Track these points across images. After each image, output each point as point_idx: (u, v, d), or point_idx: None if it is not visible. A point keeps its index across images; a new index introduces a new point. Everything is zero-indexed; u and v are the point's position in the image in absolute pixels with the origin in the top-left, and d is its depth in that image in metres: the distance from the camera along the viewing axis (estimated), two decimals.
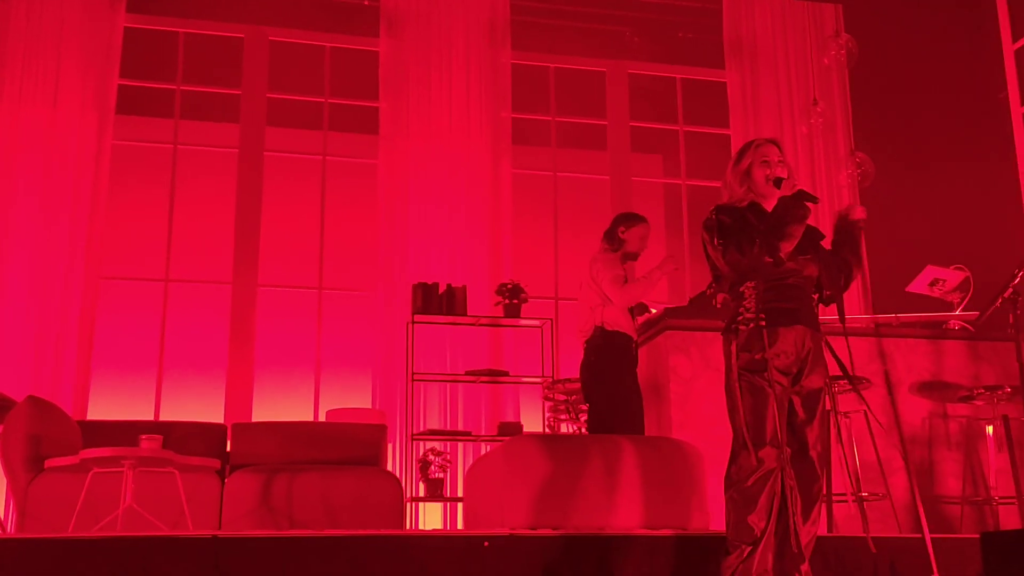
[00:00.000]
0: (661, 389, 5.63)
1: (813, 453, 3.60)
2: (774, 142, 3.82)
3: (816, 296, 3.77)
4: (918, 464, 5.69)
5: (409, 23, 8.51)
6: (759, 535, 3.45)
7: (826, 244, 3.83)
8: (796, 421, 3.62)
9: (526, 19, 8.81)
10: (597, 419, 5.33)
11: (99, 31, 7.95)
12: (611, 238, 5.50)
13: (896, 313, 6.30)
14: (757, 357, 3.53)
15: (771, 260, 3.56)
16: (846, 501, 5.29)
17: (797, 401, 3.63)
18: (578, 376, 5.54)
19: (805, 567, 3.54)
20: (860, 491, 5.27)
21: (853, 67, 8.70)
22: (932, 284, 6.29)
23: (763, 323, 3.55)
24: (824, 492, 4.18)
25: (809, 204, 3.62)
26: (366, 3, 8.61)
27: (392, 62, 8.47)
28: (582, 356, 5.44)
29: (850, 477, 5.24)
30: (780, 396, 3.56)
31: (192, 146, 8.46)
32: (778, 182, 3.69)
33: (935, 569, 3.51)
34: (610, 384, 5.25)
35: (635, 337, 5.41)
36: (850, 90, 9.15)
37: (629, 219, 5.55)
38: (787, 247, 3.58)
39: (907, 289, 6.43)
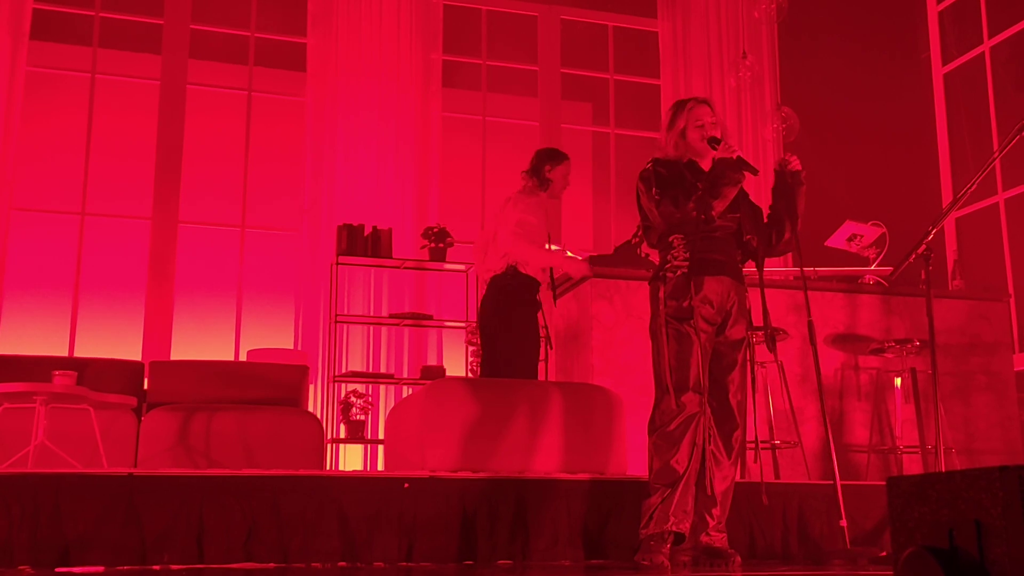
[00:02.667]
0: (583, 336, 5.68)
1: (733, 401, 3.70)
2: (706, 102, 3.93)
3: (750, 248, 3.85)
4: (829, 414, 5.85)
5: None
6: (680, 476, 3.52)
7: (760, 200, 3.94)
8: (718, 370, 3.71)
9: None
10: (498, 360, 5.26)
11: None
12: (538, 176, 5.42)
13: (814, 267, 6.44)
14: (684, 304, 3.62)
15: (703, 217, 3.64)
16: (762, 449, 5.43)
17: (720, 351, 3.71)
18: None
19: (717, 511, 3.63)
20: (773, 439, 5.41)
21: (782, 22, 8.76)
22: (850, 239, 6.43)
23: (690, 272, 3.64)
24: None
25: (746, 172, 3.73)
26: None
27: (322, 1, 8.30)
28: (484, 292, 5.37)
29: (761, 424, 5.37)
30: (704, 344, 3.64)
31: (111, 76, 8.19)
32: (713, 142, 3.74)
33: (843, 515, 3.63)
34: (518, 327, 5.21)
35: (547, 280, 5.40)
36: (779, 45, 9.24)
37: (554, 156, 5.47)
38: (719, 206, 3.68)
39: (826, 243, 6.56)
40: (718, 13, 9.15)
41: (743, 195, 3.86)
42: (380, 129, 8.18)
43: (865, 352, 5.85)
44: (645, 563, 3.49)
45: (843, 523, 3.61)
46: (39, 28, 7.79)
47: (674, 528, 3.51)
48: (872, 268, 6.35)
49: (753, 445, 5.29)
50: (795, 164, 3.87)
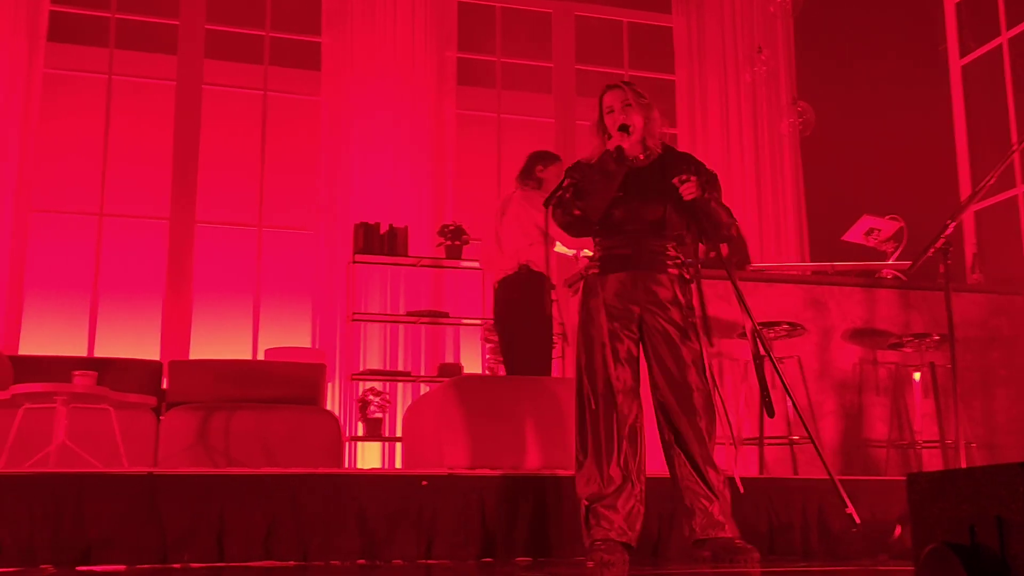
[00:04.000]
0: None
1: (670, 395, 3.52)
2: (622, 86, 3.75)
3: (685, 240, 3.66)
4: (848, 409, 5.83)
5: None
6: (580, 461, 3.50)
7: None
8: (663, 365, 3.55)
9: None
10: (521, 358, 5.31)
11: None
12: (528, 176, 5.46)
13: (832, 261, 6.41)
14: (590, 305, 3.58)
15: (579, 214, 3.59)
16: (778, 444, 5.42)
17: (655, 345, 3.56)
18: None
19: (717, 507, 3.53)
20: (791, 435, 5.39)
21: (798, 16, 8.72)
22: (868, 233, 6.39)
23: (596, 271, 3.62)
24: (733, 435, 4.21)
25: (630, 166, 3.59)
26: None
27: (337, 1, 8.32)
28: (494, 294, 5.44)
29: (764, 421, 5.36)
30: (613, 343, 3.53)
31: (128, 77, 8.23)
32: (624, 128, 3.61)
33: (848, 502, 3.62)
34: (536, 325, 5.26)
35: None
36: (794, 39, 9.20)
37: (546, 157, 5.53)
38: (593, 202, 3.57)
39: (843, 238, 6.53)
40: (733, 8, 9.12)
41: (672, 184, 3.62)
42: (395, 127, 8.18)
43: (884, 347, 5.82)
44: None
45: (849, 509, 3.59)
46: (56, 30, 7.83)
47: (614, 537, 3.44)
48: (890, 262, 6.32)
49: (773, 441, 5.28)
50: (686, 194, 3.51)
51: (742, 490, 3.81)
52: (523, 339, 5.26)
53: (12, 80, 7.51)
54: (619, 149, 3.55)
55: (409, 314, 7.46)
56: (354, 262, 7.14)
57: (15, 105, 7.50)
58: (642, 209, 3.60)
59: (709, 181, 3.63)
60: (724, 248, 3.87)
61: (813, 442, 3.79)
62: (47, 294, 7.77)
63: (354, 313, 7.17)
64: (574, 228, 3.66)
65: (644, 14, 9.29)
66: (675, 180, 3.49)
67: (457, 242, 7.18)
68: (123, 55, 8.23)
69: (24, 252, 7.47)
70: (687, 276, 3.62)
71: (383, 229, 7.19)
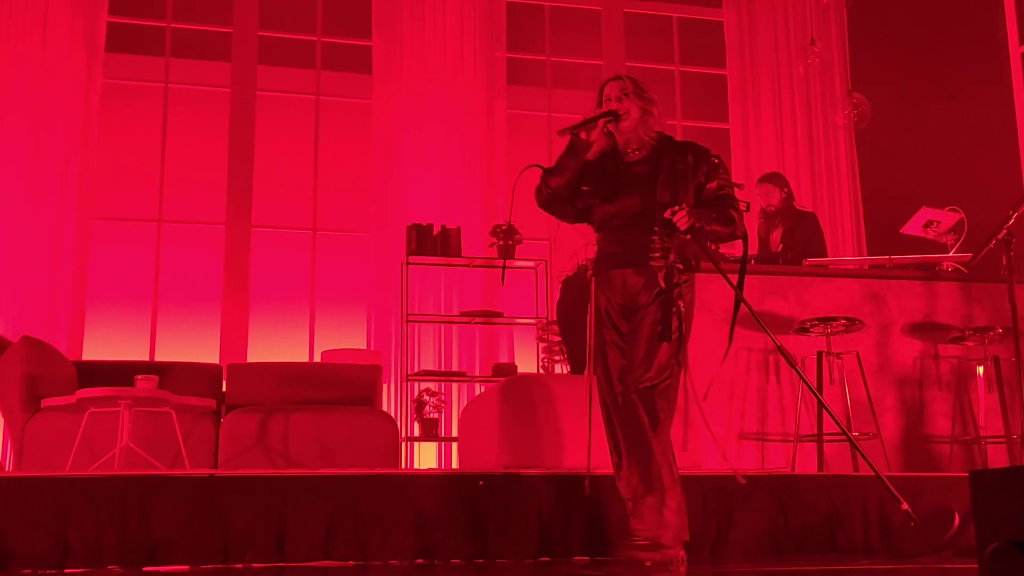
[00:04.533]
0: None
1: (642, 387, 3.43)
2: (623, 77, 3.74)
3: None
4: (909, 404, 5.74)
5: None
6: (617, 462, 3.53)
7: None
8: (630, 358, 3.51)
9: None
10: (581, 357, 5.32)
11: None
12: None
13: (890, 255, 6.31)
14: (595, 307, 3.63)
15: (548, 191, 3.65)
16: (838, 440, 5.35)
17: (632, 339, 3.52)
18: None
19: (668, 499, 3.39)
20: (851, 430, 5.32)
21: (851, 6, 8.61)
22: (926, 226, 6.29)
23: (591, 273, 3.67)
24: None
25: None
26: None
27: (388, 2, 8.37)
28: (559, 295, 5.45)
29: (818, 416, 5.29)
30: (618, 341, 3.56)
31: (183, 85, 8.37)
32: (611, 114, 3.60)
33: (900, 499, 3.56)
34: (583, 329, 5.26)
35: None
36: (848, 30, 9.06)
37: None
38: (553, 181, 3.63)
39: (902, 231, 6.43)
40: (784, 0, 9.01)
41: (664, 171, 3.55)
42: (446, 128, 8.22)
43: (945, 340, 5.72)
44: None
45: (904, 506, 3.54)
46: (113, 41, 7.98)
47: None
48: (950, 255, 6.21)
49: (833, 437, 5.22)
50: (679, 222, 3.41)
51: (743, 481, 3.82)
52: (582, 338, 5.26)
53: (72, 91, 7.66)
54: (584, 121, 3.56)
55: (463, 314, 7.49)
56: (408, 263, 7.19)
57: (75, 115, 7.65)
58: (627, 203, 3.58)
59: (711, 169, 3.57)
60: (739, 245, 3.75)
61: (849, 438, 3.74)
62: (109, 300, 7.92)
63: (409, 314, 7.22)
64: (552, 207, 3.71)
65: (694, 9, 9.22)
66: (667, 214, 3.42)
67: (510, 241, 7.18)
68: (178, 63, 8.36)
69: (86, 260, 7.63)
70: (679, 266, 3.49)
71: (436, 230, 7.22)
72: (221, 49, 8.42)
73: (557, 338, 6.46)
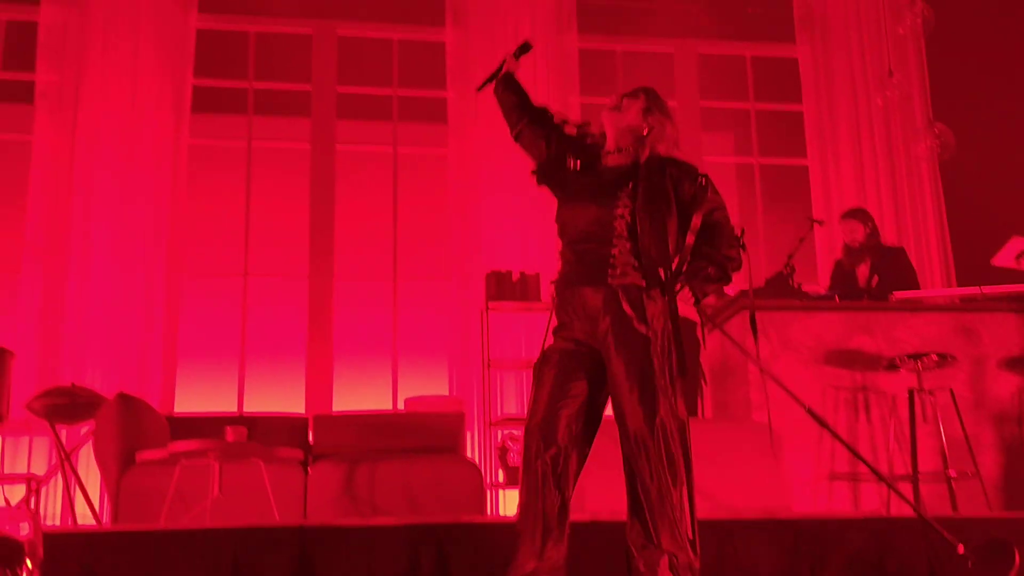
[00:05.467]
0: (738, 370, 5.58)
1: (631, 427, 3.14)
2: (639, 91, 3.46)
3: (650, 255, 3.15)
4: (1008, 441, 5.54)
5: (474, 11, 8.52)
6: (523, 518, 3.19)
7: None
8: (614, 392, 3.16)
9: (592, 2, 8.75)
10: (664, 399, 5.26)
11: (173, 33, 8.09)
12: None
13: (981, 287, 6.14)
14: (553, 326, 3.27)
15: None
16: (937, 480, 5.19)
17: (610, 370, 3.15)
18: None
19: (662, 558, 3.15)
20: (947, 469, 5.16)
21: (929, 35, 8.46)
22: (1019, 256, 6.10)
23: (553, 290, 3.30)
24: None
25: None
26: None
27: (459, 51, 8.49)
28: None
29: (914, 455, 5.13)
30: (572, 361, 3.18)
31: (265, 142, 8.59)
32: (585, 126, 3.51)
33: (955, 541, 3.45)
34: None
35: (699, 320, 5.35)
36: (927, 59, 8.91)
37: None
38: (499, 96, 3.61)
39: (992, 262, 6.26)
40: (860, 33, 8.90)
41: (652, 189, 3.19)
42: (522, 174, 8.20)
43: None
44: None
45: (960, 550, 3.42)
46: (198, 102, 8.23)
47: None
48: None
49: (929, 477, 5.06)
50: (694, 293, 3.22)
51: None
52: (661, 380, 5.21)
53: (160, 152, 7.91)
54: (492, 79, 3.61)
55: None
56: (488, 310, 7.22)
57: (164, 175, 7.90)
58: (582, 213, 3.25)
59: (699, 191, 3.23)
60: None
61: (881, 477, 3.61)
62: (199, 354, 8.11)
63: (490, 360, 7.24)
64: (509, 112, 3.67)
65: (768, 46, 9.17)
66: (677, 288, 3.14)
67: None
68: (260, 121, 8.60)
69: (177, 315, 7.83)
70: (640, 283, 3.11)
71: (515, 276, 7.26)
72: (301, 105, 8.63)
73: None
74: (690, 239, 3.19)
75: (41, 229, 7.63)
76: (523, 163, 8.61)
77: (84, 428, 6.10)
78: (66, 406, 5.68)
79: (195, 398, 7.78)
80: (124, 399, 5.56)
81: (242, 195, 8.39)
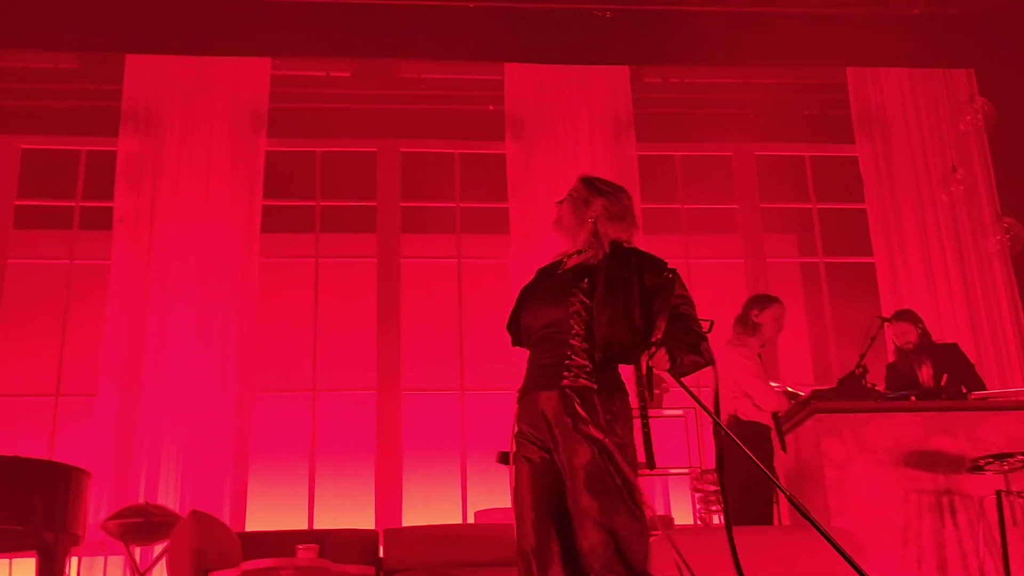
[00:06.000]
0: (814, 475, 5.44)
1: (584, 544, 2.92)
2: (581, 179, 3.45)
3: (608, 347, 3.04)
4: None
5: (533, 124, 8.70)
6: None
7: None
8: (573, 508, 2.97)
9: (649, 110, 8.89)
10: (738, 508, 5.18)
11: (243, 156, 8.37)
12: (745, 322, 5.42)
13: None
14: (514, 432, 3.15)
15: None
16: None
17: (565, 477, 2.99)
18: None
19: None
20: None
21: (991, 130, 8.43)
22: None
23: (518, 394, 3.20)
24: None
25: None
26: (491, 109, 8.85)
27: (519, 163, 8.65)
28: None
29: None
30: (542, 474, 3.04)
31: (332, 258, 8.77)
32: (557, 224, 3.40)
33: None
34: (746, 477, 5.13)
35: (772, 424, 5.28)
36: (991, 153, 8.85)
37: (762, 301, 5.47)
38: None
39: None
40: (920, 129, 8.89)
41: (612, 277, 3.10)
42: None
43: None
44: None
45: None
46: (268, 221, 8.46)
47: None
48: None
49: None
50: (657, 364, 3.00)
51: None
52: (738, 490, 5.13)
53: (230, 271, 8.11)
54: None
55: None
56: None
57: (235, 294, 8.07)
58: (540, 312, 3.19)
59: (664, 286, 3.09)
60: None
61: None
62: (269, 469, 8.16)
63: None
64: None
65: (826, 146, 9.20)
66: (643, 358, 2.96)
67: (657, 391, 7.11)
68: (327, 238, 8.80)
69: (247, 431, 7.90)
70: (593, 386, 2.99)
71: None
72: (366, 221, 8.83)
73: (713, 487, 6.28)
74: (657, 334, 3.00)
75: (117, 350, 7.81)
76: None
77: (158, 547, 6.14)
78: (140, 525, 5.72)
79: (267, 511, 7.79)
80: (197, 517, 5.58)
81: (310, 310, 8.53)
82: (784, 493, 3.12)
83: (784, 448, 5.38)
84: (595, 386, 3.03)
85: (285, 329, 8.64)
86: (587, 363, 3.04)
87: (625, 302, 3.08)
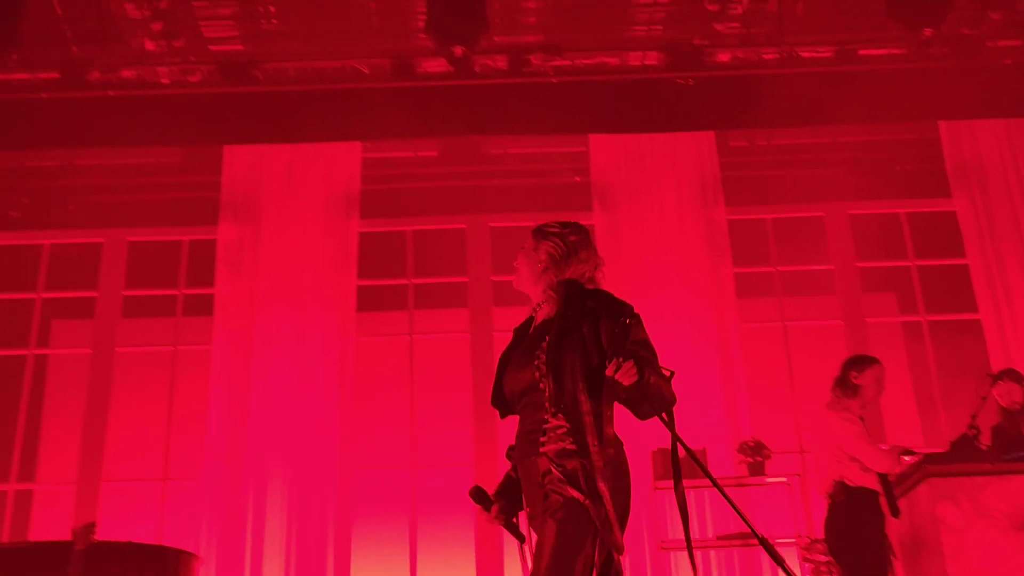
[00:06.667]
0: (930, 542, 5.22)
1: None
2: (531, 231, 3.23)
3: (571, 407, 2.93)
4: None
5: (619, 193, 8.71)
6: None
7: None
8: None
9: (736, 174, 8.85)
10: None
11: (337, 238, 8.56)
12: (844, 384, 5.30)
13: None
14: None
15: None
16: None
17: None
18: None
19: None
20: None
21: None
22: None
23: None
24: None
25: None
26: (577, 180, 8.92)
27: (607, 233, 8.65)
28: (825, 513, 5.21)
29: None
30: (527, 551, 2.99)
31: (427, 334, 8.86)
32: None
33: None
34: (858, 545, 4.98)
35: (881, 489, 5.11)
36: None
37: (860, 362, 5.34)
38: None
39: None
40: (1020, 180, 8.63)
41: (562, 328, 2.97)
42: (679, 347, 8.19)
43: None
44: None
45: None
46: (363, 300, 8.60)
47: None
48: None
49: None
50: (623, 377, 2.85)
51: None
52: (850, 559, 4.97)
53: (328, 350, 8.24)
54: None
55: (719, 538, 7.20)
56: (655, 489, 7.05)
57: (332, 373, 8.19)
58: (516, 379, 3.08)
59: (621, 331, 2.91)
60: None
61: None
62: (370, 543, 8.17)
63: (662, 541, 7.01)
64: None
65: (922, 202, 8.99)
66: (608, 372, 2.81)
67: (758, 458, 6.95)
68: (421, 314, 8.90)
69: (348, 508, 7.94)
70: (571, 447, 2.89)
71: (680, 453, 7.08)
72: (458, 296, 8.91)
73: (824, 558, 6.06)
74: (618, 392, 2.85)
75: (219, 433, 7.97)
76: (679, 336, 8.56)
77: None
78: None
79: None
80: None
81: (407, 386, 8.60)
82: (759, 539, 2.91)
83: (895, 513, 5.19)
84: (574, 447, 2.91)
85: (383, 405, 8.71)
86: (563, 424, 2.93)
87: (581, 351, 2.94)
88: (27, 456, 8.65)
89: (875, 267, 8.99)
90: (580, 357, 2.94)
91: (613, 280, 8.94)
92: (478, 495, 3.12)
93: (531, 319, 3.23)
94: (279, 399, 8.05)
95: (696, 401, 8.02)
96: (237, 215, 8.55)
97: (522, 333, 3.21)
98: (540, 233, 3.21)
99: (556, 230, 3.20)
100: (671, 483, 7.20)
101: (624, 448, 3.09)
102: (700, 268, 8.49)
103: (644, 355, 2.97)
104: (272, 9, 8.34)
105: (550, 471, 2.91)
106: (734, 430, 7.95)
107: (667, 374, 3.01)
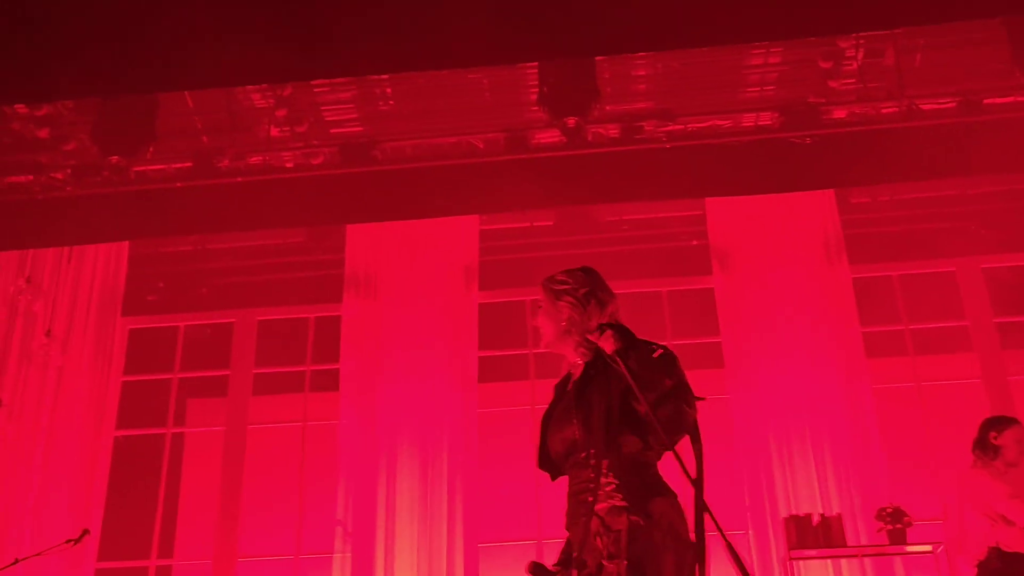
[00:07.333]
0: None
1: None
2: (543, 285, 3.17)
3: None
4: None
5: (738, 254, 8.60)
6: None
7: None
8: None
9: (859, 231, 8.64)
10: None
11: (457, 310, 8.66)
12: (983, 446, 5.08)
13: None
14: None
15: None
16: None
17: None
18: None
19: None
20: None
21: None
22: None
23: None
24: None
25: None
26: (695, 244, 8.84)
27: (728, 295, 8.53)
28: None
29: None
30: None
31: (546, 407, 8.81)
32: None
33: None
34: None
35: None
36: None
37: (999, 423, 5.14)
38: None
39: None
40: None
41: (587, 377, 2.95)
42: (804, 411, 7.96)
43: None
44: None
45: None
46: (484, 371, 8.64)
47: None
48: None
49: None
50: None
51: None
52: None
53: (453, 422, 8.27)
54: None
55: None
56: (791, 559, 6.81)
57: (457, 446, 8.22)
58: (558, 438, 3.02)
59: (653, 367, 2.83)
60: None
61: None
62: None
63: None
64: None
65: None
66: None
67: (899, 525, 6.66)
68: (542, 384, 8.88)
69: None
70: (622, 504, 2.78)
71: (815, 520, 6.85)
72: None
73: None
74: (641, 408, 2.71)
75: (349, 506, 8.07)
76: (803, 399, 8.31)
77: None
78: None
79: None
80: None
81: (529, 457, 8.54)
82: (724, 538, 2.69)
83: None
84: (625, 503, 2.81)
85: (507, 477, 8.69)
86: (613, 480, 2.83)
87: (609, 395, 2.87)
88: (166, 532, 8.91)
89: (1014, 322, 8.59)
90: (599, 399, 2.89)
91: (737, 343, 8.82)
92: (537, 571, 3.06)
93: (569, 376, 3.17)
94: (404, 472, 8.12)
95: (830, 467, 7.76)
96: (359, 291, 8.75)
97: (561, 390, 3.16)
98: (551, 291, 3.19)
99: (567, 282, 3.19)
100: (805, 552, 6.99)
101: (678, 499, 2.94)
102: (826, 328, 8.27)
103: (681, 392, 2.87)
104: (389, 91, 8.61)
105: (607, 530, 2.82)
106: (870, 496, 7.64)
107: (696, 401, 2.96)
